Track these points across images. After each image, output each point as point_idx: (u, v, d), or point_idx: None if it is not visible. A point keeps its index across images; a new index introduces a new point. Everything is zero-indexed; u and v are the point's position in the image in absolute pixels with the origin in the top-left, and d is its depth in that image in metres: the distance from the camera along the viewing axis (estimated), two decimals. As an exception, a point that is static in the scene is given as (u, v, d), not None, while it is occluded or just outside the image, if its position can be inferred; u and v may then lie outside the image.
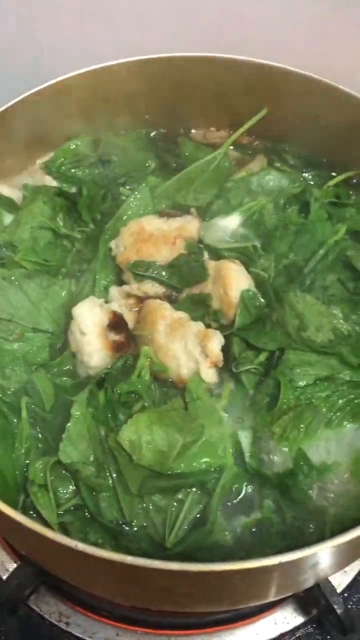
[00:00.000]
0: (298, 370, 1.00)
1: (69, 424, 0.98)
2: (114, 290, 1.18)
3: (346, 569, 1.25)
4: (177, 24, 1.46)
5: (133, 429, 0.95)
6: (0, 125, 1.24)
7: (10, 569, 1.22)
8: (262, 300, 1.08)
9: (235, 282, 1.08)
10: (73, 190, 1.30)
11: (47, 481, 0.96)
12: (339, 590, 1.23)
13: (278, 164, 1.38)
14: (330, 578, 1.16)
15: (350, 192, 1.27)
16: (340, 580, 1.24)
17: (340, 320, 1.07)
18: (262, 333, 1.05)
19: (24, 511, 0.96)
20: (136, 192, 1.26)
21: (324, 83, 1.26)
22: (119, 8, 1.47)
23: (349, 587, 1.24)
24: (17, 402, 1.04)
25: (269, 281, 1.12)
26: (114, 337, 1.07)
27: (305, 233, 1.18)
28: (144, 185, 1.27)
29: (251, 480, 1.00)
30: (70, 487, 0.98)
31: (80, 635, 1.18)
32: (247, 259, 1.17)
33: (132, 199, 1.25)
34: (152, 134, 1.46)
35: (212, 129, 1.44)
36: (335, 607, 1.12)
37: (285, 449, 0.98)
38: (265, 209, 1.22)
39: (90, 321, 1.07)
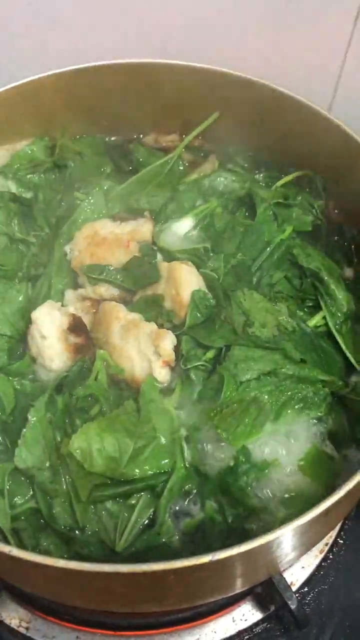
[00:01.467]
0: (242, 365, 1.02)
1: (24, 430, 0.99)
2: (69, 294, 1.19)
3: (304, 564, 1.27)
4: (125, 30, 1.47)
5: (83, 437, 0.95)
6: None
7: (-31, 576, 1.23)
8: (212, 300, 1.10)
9: (186, 282, 1.10)
10: (29, 195, 1.31)
11: (4, 486, 0.96)
12: (297, 585, 1.25)
13: (230, 165, 1.40)
14: (286, 574, 1.18)
15: (297, 193, 1.29)
16: (298, 576, 1.26)
17: (286, 317, 1.10)
18: (211, 331, 1.07)
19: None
20: (90, 197, 1.27)
21: (267, 86, 1.29)
22: (67, 15, 1.49)
23: (307, 582, 1.26)
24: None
25: (218, 281, 1.14)
26: (74, 339, 1.08)
27: (252, 234, 1.20)
28: (97, 189, 1.28)
29: (197, 479, 1.01)
30: (29, 493, 0.99)
31: (40, 640, 1.19)
32: (198, 260, 1.19)
33: (86, 204, 1.26)
34: (106, 139, 1.47)
35: (162, 133, 1.45)
36: (289, 602, 1.14)
37: (227, 445, 0.99)
38: (215, 212, 1.24)
39: (50, 325, 1.08)
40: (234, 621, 1.23)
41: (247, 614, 1.24)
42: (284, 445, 1.00)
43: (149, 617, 1.21)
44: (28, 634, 1.19)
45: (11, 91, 1.26)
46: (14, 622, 1.21)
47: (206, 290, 1.10)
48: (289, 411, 1.00)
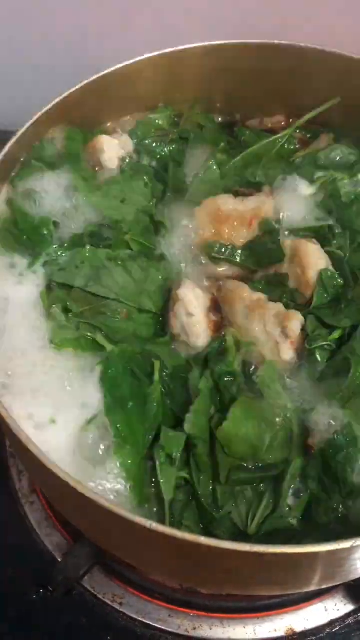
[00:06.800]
0: None
1: (197, 398, 0.97)
2: (192, 272, 1.17)
3: None
4: (218, 11, 1.45)
5: (232, 425, 0.93)
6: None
7: (65, 550, 1.24)
8: (340, 279, 1.07)
9: (313, 262, 1.08)
10: (153, 164, 1.30)
11: (178, 454, 0.94)
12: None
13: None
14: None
15: None
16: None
17: None
18: (338, 311, 1.04)
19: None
20: (205, 170, 1.25)
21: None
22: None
23: None
24: (145, 365, 1.04)
25: (345, 259, 1.11)
26: (214, 317, 1.08)
27: None
28: (212, 162, 1.26)
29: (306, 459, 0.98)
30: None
31: (133, 616, 1.19)
32: (322, 238, 1.15)
33: (201, 177, 1.24)
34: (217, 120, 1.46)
35: (267, 115, 1.41)
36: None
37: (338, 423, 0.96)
38: (340, 182, 1.21)
39: (196, 303, 1.07)
40: (326, 610, 1.22)
41: (339, 604, 1.23)
42: None
43: (242, 600, 1.21)
44: (122, 609, 1.20)
45: (146, 62, 1.26)
46: (107, 598, 1.22)
47: (334, 270, 1.07)
48: None
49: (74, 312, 1.07)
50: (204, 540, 0.73)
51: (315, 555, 0.78)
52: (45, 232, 1.15)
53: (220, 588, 0.99)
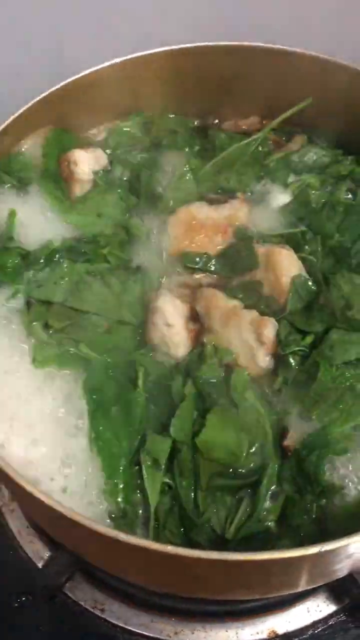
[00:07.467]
0: (338, 348, 0.99)
1: (182, 403, 0.98)
2: (168, 281, 1.18)
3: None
4: (194, 13, 1.45)
5: (210, 432, 0.94)
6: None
7: (46, 557, 1.24)
8: (313, 285, 1.07)
9: (286, 268, 1.08)
10: (126, 174, 1.29)
11: (164, 461, 0.95)
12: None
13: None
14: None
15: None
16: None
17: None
18: (310, 316, 1.05)
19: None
20: (180, 176, 1.25)
21: (351, 69, 1.24)
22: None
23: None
24: (129, 371, 1.04)
25: (317, 265, 1.12)
26: (193, 326, 1.08)
27: (353, 214, 1.17)
28: (186, 168, 1.26)
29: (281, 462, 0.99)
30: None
31: (115, 622, 1.19)
32: (295, 243, 1.16)
33: (174, 185, 1.24)
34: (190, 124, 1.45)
35: (242, 117, 1.41)
36: (371, 596, 1.13)
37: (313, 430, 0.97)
38: (311, 187, 1.22)
39: (174, 313, 1.08)
40: (308, 612, 1.22)
41: (321, 605, 1.23)
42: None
43: (225, 604, 1.21)
44: (104, 616, 1.20)
45: (115, 67, 1.26)
46: (89, 604, 1.21)
47: (307, 276, 1.08)
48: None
49: (55, 327, 1.07)
50: (170, 549, 0.73)
51: (286, 560, 0.78)
52: (10, 269, 1.14)
53: (196, 593, 0.99)
